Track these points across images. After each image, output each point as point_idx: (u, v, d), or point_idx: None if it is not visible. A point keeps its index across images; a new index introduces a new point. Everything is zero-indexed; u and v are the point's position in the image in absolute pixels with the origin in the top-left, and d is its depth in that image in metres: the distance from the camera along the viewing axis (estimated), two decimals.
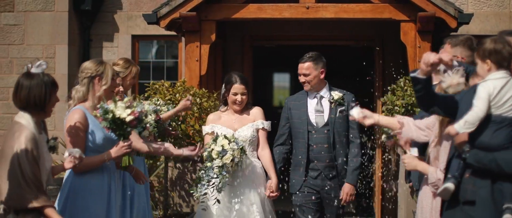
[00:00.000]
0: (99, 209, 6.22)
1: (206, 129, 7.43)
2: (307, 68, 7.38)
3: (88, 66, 6.54)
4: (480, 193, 4.79)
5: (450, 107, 5.09)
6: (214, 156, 6.89)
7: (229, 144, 6.91)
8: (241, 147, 6.99)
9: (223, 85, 7.43)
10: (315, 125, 7.44)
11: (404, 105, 9.75)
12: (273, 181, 7.27)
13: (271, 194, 7.27)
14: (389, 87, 10.35)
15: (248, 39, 12.58)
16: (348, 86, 9.91)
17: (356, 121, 6.03)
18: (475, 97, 4.85)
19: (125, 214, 6.70)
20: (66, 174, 6.33)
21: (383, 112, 10.41)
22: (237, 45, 12.70)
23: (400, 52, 11.29)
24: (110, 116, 6.10)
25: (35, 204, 5.29)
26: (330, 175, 7.40)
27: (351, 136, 7.44)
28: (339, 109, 7.39)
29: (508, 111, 4.87)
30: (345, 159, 7.40)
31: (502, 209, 4.89)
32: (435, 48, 7.77)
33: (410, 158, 5.58)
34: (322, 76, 7.42)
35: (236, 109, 7.35)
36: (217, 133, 7.17)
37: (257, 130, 7.36)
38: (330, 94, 7.44)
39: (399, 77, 9.96)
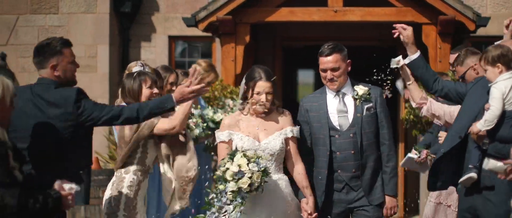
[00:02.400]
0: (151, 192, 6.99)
1: (221, 136, 5.94)
2: (335, 61, 6.03)
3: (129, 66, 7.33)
4: (498, 180, 5.27)
5: (459, 92, 5.92)
6: (228, 177, 5.51)
7: (248, 164, 5.50)
8: (262, 168, 5.55)
9: (244, 82, 6.00)
10: (338, 128, 6.06)
11: None
12: (310, 200, 5.96)
13: (309, 217, 5.95)
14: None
15: (278, 40, 13.10)
16: (374, 84, 10.48)
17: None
18: (490, 99, 5.46)
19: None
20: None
21: (405, 108, 11.07)
22: (268, 46, 13.19)
23: (422, 53, 11.86)
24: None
25: None
26: (357, 187, 6.08)
27: (382, 137, 6.12)
28: (365, 106, 6.06)
29: None
30: (373, 165, 6.09)
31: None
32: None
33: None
34: (349, 69, 6.14)
35: (259, 111, 5.91)
36: (236, 146, 5.81)
37: (286, 140, 5.97)
38: (354, 90, 6.10)
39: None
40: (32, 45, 12.61)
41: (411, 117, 10.72)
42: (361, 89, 6.07)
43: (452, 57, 6.95)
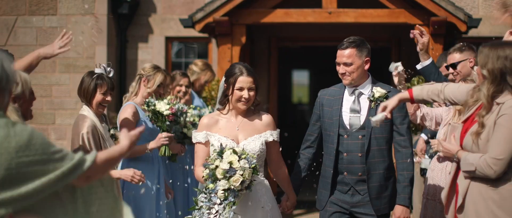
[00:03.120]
0: (141, 190, 7.18)
1: (198, 136, 5.67)
2: (349, 55, 5.84)
3: (144, 67, 7.55)
4: None
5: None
6: (218, 176, 5.22)
7: (239, 160, 5.23)
8: (253, 165, 5.29)
9: (223, 79, 5.74)
10: (348, 127, 5.88)
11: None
12: (290, 199, 5.94)
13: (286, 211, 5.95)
14: (408, 85, 11.18)
15: (274, 41, 13.26)
16: None
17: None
18: None
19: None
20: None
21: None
22: (264, 47, 13.37)
23: (414, 53, 11.98)
24: (151, 108, 7.08)
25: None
26: (363, 191, 5.88)
27: (398, 144, 5.88)
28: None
29: None
30: (383, 173, 5.88)
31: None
32: (447, 50, 8.42)
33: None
34: (367, 66, 5.92)
35: (241, 108, 5.64)
36: (221, 144, 5.46)
37: (267, 143, 5.70)
38: (371, 91, 5.90)
39: (412, 77, 10.52)
40: (31, 46, 12.85)
41: None
42: (378, 91, 5.85)
43: (453, 57, 7.05)
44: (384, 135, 5.83)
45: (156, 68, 7.49)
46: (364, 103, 5.90)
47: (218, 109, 5.80)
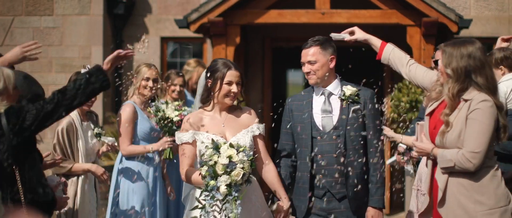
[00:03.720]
0: (142, 191, 7.33)
1: (184, 137, 5.47)
2: (313, 54, 5.70)
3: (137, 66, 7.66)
4: (505, 176, 5.29)
5: None
6: (219, 171, 5.04)
7: (237, 154, 5.09)
8: (251, 158, 5.14)
9: (207, 75, 5.56)
10: (321, 128, 5.71)
11: (408, 102, 10.67)
12: (284, 203, 5.56)
13: None
14: (396, 86, 11.30)
15: (268, 41, 13.35)
16: (358, 85, 10.62)
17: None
18: None
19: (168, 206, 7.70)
20: (117, 159, 7.45)
21: (390, 107, 11.37)
22: (258, 47, 13.45)
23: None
24: (160, 114, 7.20)
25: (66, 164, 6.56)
26: (340, 195, 5.68)
27: (369, 143, 5.70)
28: (352, 108, 5.68)
29: None
30: (361, 173, 5.68)
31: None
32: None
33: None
34: (332, 65, 5.73)
35: (229, 103, 5.53)
36: (213, 140, 5.26)
37: (254, 137, 5.59)
38: (342, 90, 5.73)
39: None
40: None
41: (395, 115, 11.00)
42: (349, 89, 5.72)
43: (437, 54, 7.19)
44: (357, 133, 5.66)
45: (143, 64, 7.59)
46: (336, 103, 5.74)
47: (200, 107, 5.64)
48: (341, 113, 5.69)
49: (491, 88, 4.89)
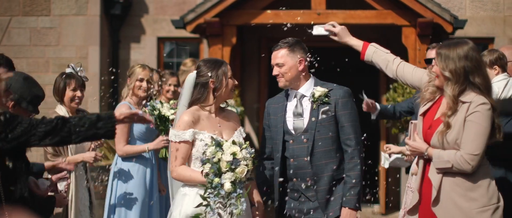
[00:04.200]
0: (141, 190, 7.37)
1: (184, 135, 5.33)
2: (281, 56, 5.57)
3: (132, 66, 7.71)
4: (496, 173, 5.48)
5: None
6: (223, 168, 5.04)
7: (241, 150, 5.10)
8: (253, 155, 5.18)
9: (209, 74, 5.42)
10: (292, 132, 5.62)
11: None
12: (260, 208, 5.56)
13: None
14: (391, 86, 11.37)
15: (264, 41, 13.36)
16: (355, 84, 10.60)
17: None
18: None
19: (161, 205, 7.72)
20: (114, 160, 7.50)
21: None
22: (254, 47, 13.48)
23: (402, 54, 12.15)
24: (157, 113, 7.25)
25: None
26: (313, 197, 5.58)
27: (343, 143, 5.57)
28: (322, 109, 5.55)
29: None
30: (332, 175, 5.56)
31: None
32: None
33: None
34: (301, 67, 5.56)
35: (231, 97, 5.63)
36: (213, 137, 5.26)
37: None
38: (312, 91, 5.61)
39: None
40: (24, 47, 12.95)
41: None
42: (318, 91, 5.58)
43: (430, 53, 7.26)
44: (330, 135, 5.53)
45: (137, 65, 7.65)
46: (307, 106, 5.60)
47: (199, 105, 5.45)
48: (311, 115, 5.57)
49: (488, 88, 4.96)
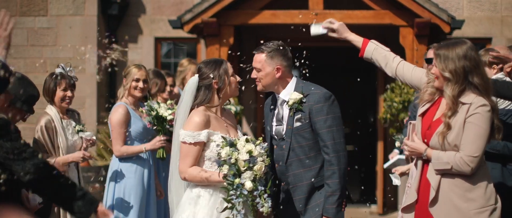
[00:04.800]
0: (139, 191, 7.36)
1: (199, 136, 5.25)
2: (258, 61, 5.46)
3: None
4: (493, 174, 5.53)
5: None
6: (241, 168, 4.98)
7: (255, 148, 5.04)
8: (266, 150, 5.12)
9: (211, 76, 5.38)
10: (276, 137, 5.54)
11: (401, 102, 10.74)
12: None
13: None
14: (388, 86, 11.37)
15: (262, 42, 13.40)
16: (352, 85, 10.61)
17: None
18: None
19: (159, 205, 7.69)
20: (112, 161, 7.49)
21: (383, 107, 11.44)
22: (252, 47, 13.27)
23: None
24: (154, 113, 7.25)
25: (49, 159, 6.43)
26: (296, 203, 5.48)
27: (322, 150, 5.38)
28: (296, 117, 5.40)
29: (510, 104, 5.91)
30: (311, 183, 5.39)
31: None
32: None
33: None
34: (278, 75, 5.42)
35: (236, 94, 5.59)
36: (224, 138, 5.18)
37: None
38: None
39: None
40: (22, 47, 12.93)
41: (389, 115, 11.07)
42: (292, 98, 5.40)
43: (431, 53, 7.28)
44: (307, 143, 5.39)
45: (133, 65, 7.59)
46: (286, 112, 5.47)
47: (205, 105, 5.39)
48: (288, 122, 5.45)
49: (487, 88, 4.95)
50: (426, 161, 5.09)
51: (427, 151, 5.04)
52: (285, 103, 5.47)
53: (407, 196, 5.37)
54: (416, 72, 5.36)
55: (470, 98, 4.90)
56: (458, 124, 4.89)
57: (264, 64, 5.42)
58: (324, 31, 5.61)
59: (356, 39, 5.64)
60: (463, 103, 4.91)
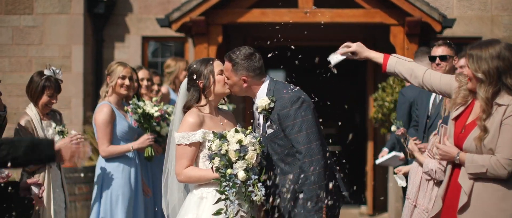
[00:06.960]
0: (126, 190, 7.25)
1: (194, 136, 5.22)
2: (226, 69, 5.31)
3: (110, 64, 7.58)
4: None
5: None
6: (233, 158, 4.93)
7: (245, 137, 4.98)
8: (258, 138, 5.06)
9: (194, 77, 5.35)
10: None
11: (392, 101, 10.66)
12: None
13: None
14: (379, 85, 11.30)
15: (250, 40, 13.19)
16: (343, 85, 10.53)
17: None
18: None
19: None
20: (98, 161, 7.36)
21: (374, 107, 11.35)
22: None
23: (390, 53, 12.14)
24: (140, 111, 7.13)
25: None
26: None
27: (296, 155, 5.18)
28: (267, 124, 5.26)
29: None
30: (294, 188, 5.16)
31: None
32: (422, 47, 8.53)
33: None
34: (245, 85, 5.27)
35: (227, 92, 5.39)
36: (214, 132, 5.11)
37: None
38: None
39: (388, 76, 10.71)
40: (7, 46, 12.82)
41: (380, 115, 10.99)
42: (260, 105, 5.24)
43: (435, 50, 7.25)
44: (281, 149, 5.23)
45: (116, 63, 7.49)
46: (261, 118, 5.32)
47: (195, 107, 5.34)
48: (263, 129, 5.31)
49: None
50: (457, 165, 4.93)
51: (460, 155, 4.88)
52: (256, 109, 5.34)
53: (434, 205, 5.19)
54: (445, 78, 5.20)
55: (507, 99, 4.75)
56: (494, 126, 4.73)
57: (230, 73, 5.25)
58: (343, 57, 5.43)
59: (377, 56, 5.41)
60: (499, 105, 4.75)
